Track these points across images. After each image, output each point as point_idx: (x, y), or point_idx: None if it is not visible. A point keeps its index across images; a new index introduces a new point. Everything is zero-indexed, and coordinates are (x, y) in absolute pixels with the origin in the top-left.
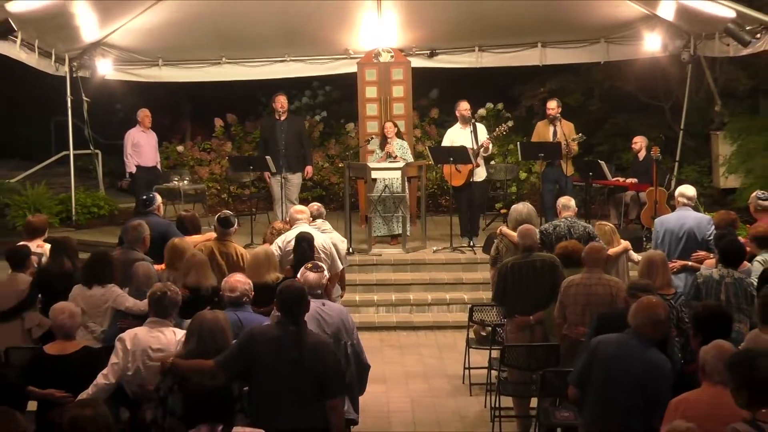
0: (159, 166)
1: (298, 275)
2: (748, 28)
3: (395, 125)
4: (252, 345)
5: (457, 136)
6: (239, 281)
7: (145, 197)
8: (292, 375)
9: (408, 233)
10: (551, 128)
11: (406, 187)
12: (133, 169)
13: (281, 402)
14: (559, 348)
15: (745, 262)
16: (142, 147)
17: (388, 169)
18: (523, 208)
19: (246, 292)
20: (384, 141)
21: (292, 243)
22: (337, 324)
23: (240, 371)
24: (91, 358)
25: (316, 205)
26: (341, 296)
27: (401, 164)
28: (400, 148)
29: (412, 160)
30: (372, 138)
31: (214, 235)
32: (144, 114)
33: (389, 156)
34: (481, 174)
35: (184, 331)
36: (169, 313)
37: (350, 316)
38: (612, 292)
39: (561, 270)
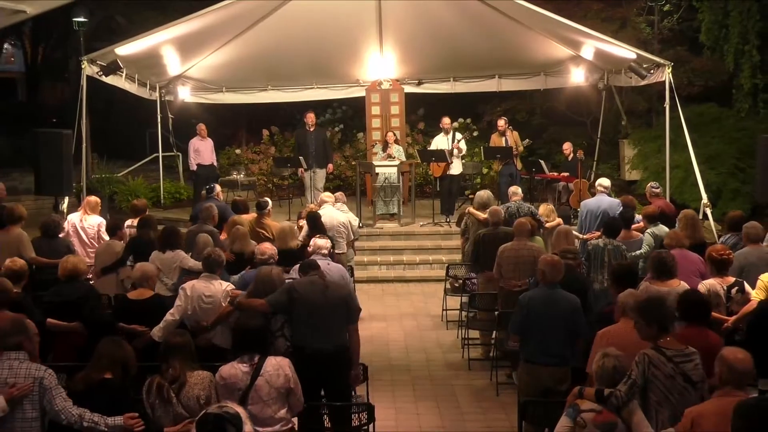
0: (215, 164)
1: (311, 242)
2: (644, 65)
3: (394, 135)
4: (292, 288)
5: (440, 141)
6: (267, 248)
7: (208, 187)
8: (322, 308)
9: (401, 212)
10: (503, 138)
11: (400, 179)
12: (194, 167)
13: (315, 327)
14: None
15: (639, 233)
16: (201, 152)
17: (388, 165)
18: (484, 194)
19: (272, 255)
20: (386, 146)
21: (322, 219)
22: (336, 277)
23: (283, 307)
24: (161, 303)
25: (339, 194)
26: (353, 258)
27: (397, 162)
28: (397, 151)
29: (405, 160)
30: (375, 144)
31: (255, 214)
32: (200, 127)
33: (389, 157)
34: (456, 169)
35: (229, 283)
36: (215, 269)
37: (347, 272)
38: (534, 254)
39: None
